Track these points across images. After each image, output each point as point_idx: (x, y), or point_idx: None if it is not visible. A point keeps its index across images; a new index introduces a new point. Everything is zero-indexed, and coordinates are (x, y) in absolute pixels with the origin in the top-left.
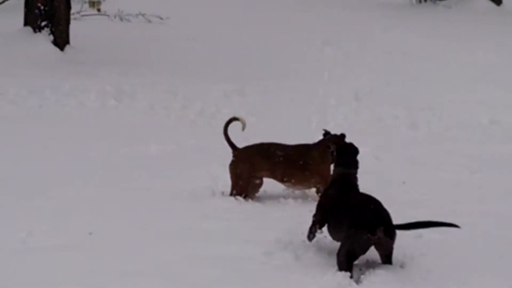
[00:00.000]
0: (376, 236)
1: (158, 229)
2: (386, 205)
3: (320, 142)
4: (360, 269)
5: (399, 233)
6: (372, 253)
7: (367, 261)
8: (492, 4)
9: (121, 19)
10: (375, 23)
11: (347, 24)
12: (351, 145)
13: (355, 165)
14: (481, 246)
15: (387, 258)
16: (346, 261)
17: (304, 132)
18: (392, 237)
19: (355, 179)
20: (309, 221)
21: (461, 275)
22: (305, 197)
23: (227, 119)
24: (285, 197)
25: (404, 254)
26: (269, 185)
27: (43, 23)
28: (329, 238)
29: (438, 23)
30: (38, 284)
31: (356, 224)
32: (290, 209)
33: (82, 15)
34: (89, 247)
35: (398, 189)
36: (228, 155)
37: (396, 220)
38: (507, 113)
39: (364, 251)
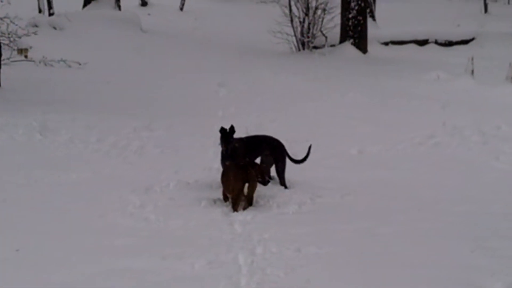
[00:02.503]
0: None
1: (79, 245)
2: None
3: None
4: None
5: (280, 249)
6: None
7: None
8: (360, 52)
9: (45, 64)
10: (262, 68)
11: (239, 69)
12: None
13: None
14: (353, 259)
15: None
16: None
17: (202, 160)
18: None
19: None
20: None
21: (336, 283)
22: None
23: (136, 150)
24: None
25: (285, 265)
26: (173, 206)
27: None
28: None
29: (315, 68)
30: None
31: None
32: (187, 227)
33: (12, 61)
34: (16, 263)
35: (277, 211)
36: (139, 181)
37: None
38: (372, 145)
39: None
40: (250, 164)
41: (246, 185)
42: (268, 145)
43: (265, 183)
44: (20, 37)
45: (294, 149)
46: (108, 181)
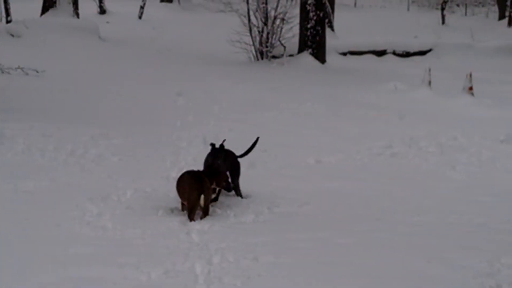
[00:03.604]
0: None
1: (35, 254)
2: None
3: None
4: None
5: (237, 258)
6: None
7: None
8: (318, 62)
9: (2, 72)
10: (221, 77)
11: (197, 78)
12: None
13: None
14: (311, 269)
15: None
16: None
17: (160, 169)
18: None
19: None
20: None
21: None
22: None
23: (94, 158)
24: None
25: (242, 275)
26: (131, 216)
27: None
28: None
29: (273, 77)
30: None
31: None
32: (145, 236)
33: None
34: None
35: (235, 220)
36: (96, 190)
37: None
38: (329, 155)
39: None
40: (215, 172)
41: (202, 196)
42: (227, 159)
43: (229, 189)
44: None
45: (251, 158)
46: (65, 190)
